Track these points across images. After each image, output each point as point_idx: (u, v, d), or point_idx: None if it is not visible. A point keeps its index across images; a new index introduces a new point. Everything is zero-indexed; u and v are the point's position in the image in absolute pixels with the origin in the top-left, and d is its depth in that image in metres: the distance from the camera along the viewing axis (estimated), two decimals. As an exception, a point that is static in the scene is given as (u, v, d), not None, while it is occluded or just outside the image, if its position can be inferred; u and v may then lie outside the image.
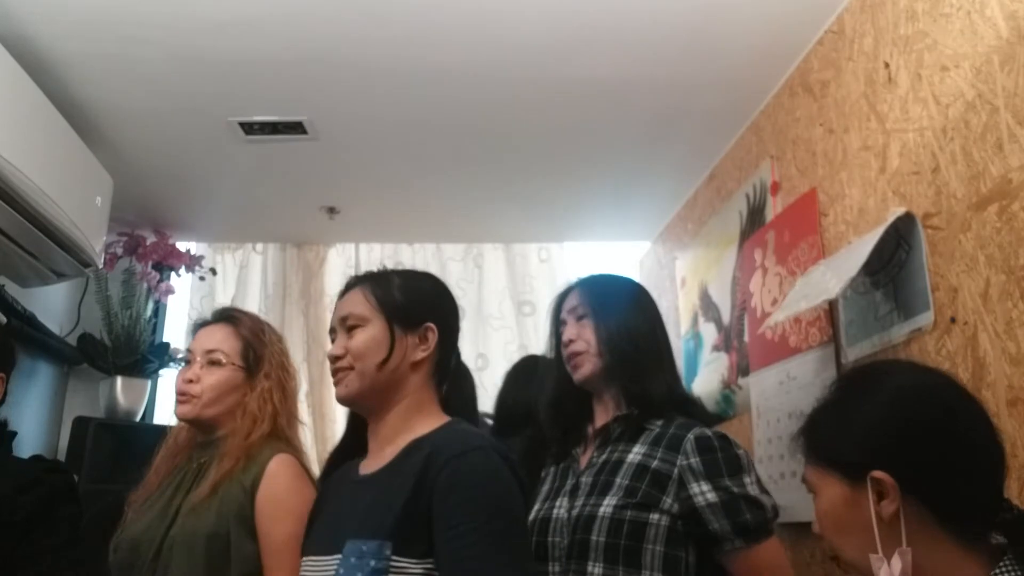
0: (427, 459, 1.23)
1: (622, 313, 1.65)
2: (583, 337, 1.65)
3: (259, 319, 1.84)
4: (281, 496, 1.56)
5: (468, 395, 1.43)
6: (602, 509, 1.49)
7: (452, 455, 1.22)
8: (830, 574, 1.84)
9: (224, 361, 1.70)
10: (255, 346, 1.74)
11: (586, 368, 1.64)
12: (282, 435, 1.70)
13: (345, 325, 1.37)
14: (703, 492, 1.45)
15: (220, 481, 1.58)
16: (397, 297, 1.38)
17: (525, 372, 2.41)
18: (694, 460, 1.47)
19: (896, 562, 0.91)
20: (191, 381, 1.68)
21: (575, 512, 1.53)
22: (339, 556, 1.19)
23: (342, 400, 1.37)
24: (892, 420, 0.97)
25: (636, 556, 1.46)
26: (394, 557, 1.16)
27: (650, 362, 1.62)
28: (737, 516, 1.43)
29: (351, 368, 1.34)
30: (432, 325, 1.37)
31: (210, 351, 1.71)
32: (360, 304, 1.37)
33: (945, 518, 0.93)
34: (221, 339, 1.73)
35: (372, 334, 1.34)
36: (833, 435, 1.01)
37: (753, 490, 1.47)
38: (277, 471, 1.59)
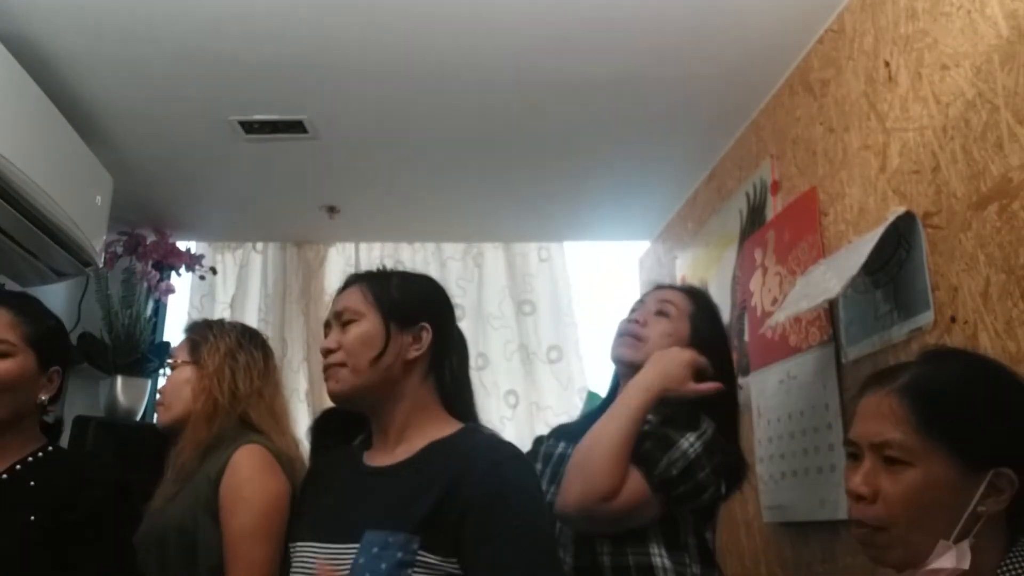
0: (464, 462, 1.25)
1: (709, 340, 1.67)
2: (653, 328, 1.67)
3: (222, 321, 1.83)
4: (238, 487, 1.52)
5: (468, 402, 1.44)
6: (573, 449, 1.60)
7: (492, 463, 1.26)
8: (830, 574, 1.84)
9: (178, 362, 1.75)
10: (198, 341, 1.75)
11: (637, 354, 1.64)
12: (257, 425, 1.65)
13: (340, 320, 1.37)
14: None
15: (180, 476, 1.59)
16: (394, 294, 1.38)
17: None
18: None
19: (966, 552, 0.91)
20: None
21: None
22: (355, 545, 1.21)
23: (334, 396, 1.35)
24: None
25: None
26: (421, 552, 1.19)
27: None
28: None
29: (343, 364, 1.33)
30: (427, 325, 1.37)
31: (170, 359, 1.79)
32: (356, 299, 1.38)
33: (1015, 518, 0.95)
34: (179, 346, 1.79)
35: (367, 329, 1.34)
36: (967, 416, 0.97)
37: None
38: (239, 462, 1.55)
